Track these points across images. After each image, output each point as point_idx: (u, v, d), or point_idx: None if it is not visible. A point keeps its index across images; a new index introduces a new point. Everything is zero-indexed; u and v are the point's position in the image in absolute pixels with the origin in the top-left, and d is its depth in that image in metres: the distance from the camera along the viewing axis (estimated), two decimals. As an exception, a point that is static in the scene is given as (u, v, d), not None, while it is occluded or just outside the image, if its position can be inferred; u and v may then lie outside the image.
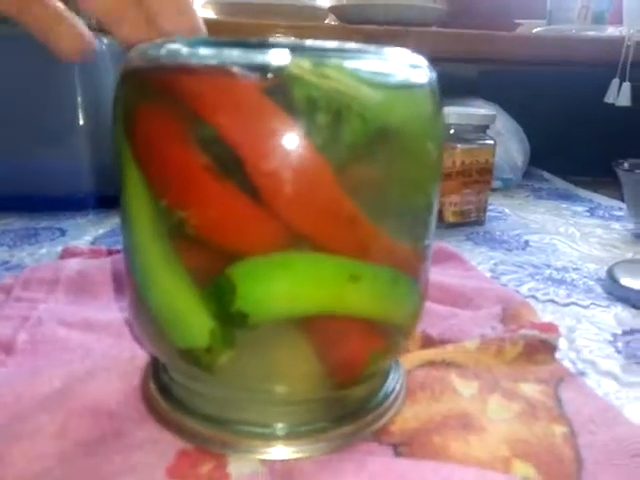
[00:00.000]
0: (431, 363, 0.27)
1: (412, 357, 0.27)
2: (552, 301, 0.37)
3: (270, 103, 0.17)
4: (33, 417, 0.21)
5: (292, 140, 0.17)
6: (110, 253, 0.39)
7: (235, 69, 0.17)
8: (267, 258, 0.18)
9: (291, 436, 0.21)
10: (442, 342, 0.28)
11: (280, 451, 0.20)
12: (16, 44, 0.56)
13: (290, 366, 0.20)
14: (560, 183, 0.83)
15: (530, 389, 0.25)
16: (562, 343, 0.30)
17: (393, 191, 0.19)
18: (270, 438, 0.21)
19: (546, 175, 0.87)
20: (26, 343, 0.26)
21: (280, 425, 0.21)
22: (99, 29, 0.64)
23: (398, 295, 0.21)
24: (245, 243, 0.18)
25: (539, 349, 0.28)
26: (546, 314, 0.35)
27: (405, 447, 0.21)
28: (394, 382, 0.24)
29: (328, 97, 0.17)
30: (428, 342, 0.28)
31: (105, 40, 0.59)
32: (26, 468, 0.19)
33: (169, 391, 0.23)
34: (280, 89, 0.17)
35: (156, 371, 0.24)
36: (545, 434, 0.22)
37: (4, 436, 0.20)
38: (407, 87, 0.19)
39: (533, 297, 0.37)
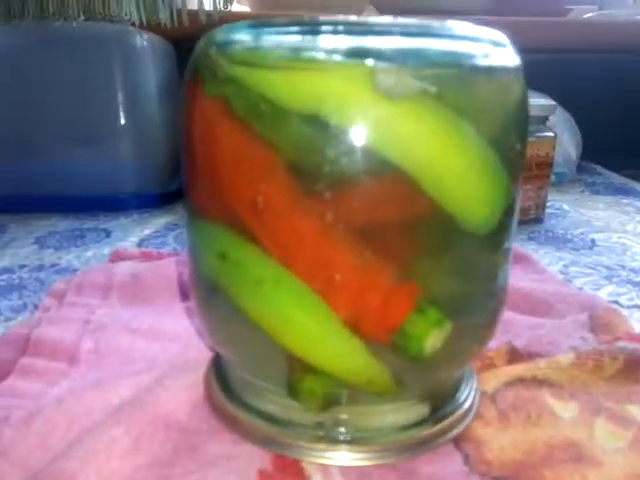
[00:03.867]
0: (521, 380, 0.24)
1: (499, 373, 0.24)
2: (638, 307, 0.33)
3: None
4: (106, 430, 0.19)
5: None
6: (161, 256, 0.37)
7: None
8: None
9: (359, 441, 0.20)
10: (530, 355, 0.26)
11: (347, 456, 0.19)
12: (55, 45, 0.55)
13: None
14: (615, 177, 0.78)
15: (638, 412, 0.22)
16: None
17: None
18: (337, 442, 0.20)
19: (599, 169, 0.82)
20: (90, 353, 0.25)
21: (343, 429, 0.20)
22: (139, 24, 0.62)
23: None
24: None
25: (641, 365, 0.25)
26: (634, 322, 0.32)
27: (514, 483, 0.18)
28: (467, 391, 0.22)
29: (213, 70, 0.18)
30: (515, 356, 0.25)
31: (145, 36, 0.58)
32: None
33: (234, 395, 0.22)
34: None
35: (220, 376, 0.23)
36: (670, 467, 0.19)
37: (77, 453, 0.18)
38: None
39: (616, 302, 0.34)
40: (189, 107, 0.19)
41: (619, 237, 0.49)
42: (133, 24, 0.61)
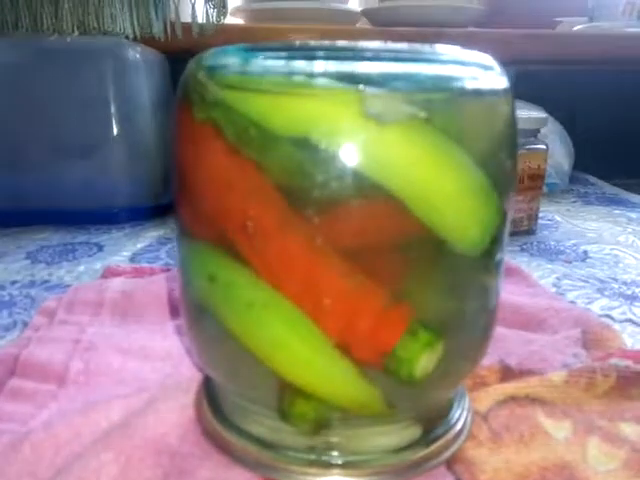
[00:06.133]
0: (513, 398, 0.24)
1: (492, 391, 0.24)
2: (630, 321, 0.34)
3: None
4: (95, 456, 0.19)
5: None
6: (153, 272, 0.37)
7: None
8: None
9: (351, 465, 0.19)
10: (522, 373, 0.26)
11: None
12: (48, 58, 0.55)
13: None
14: (607, 187, 0.79)
15: (631, 430, 0.22)
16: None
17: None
18: (329, 466, 0.19)
19: (592, 179, 0.83)
20: (79, 374, 0.24)
21: (335, 453, 0.20)
22: (133, 38, 0.62)
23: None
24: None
25: (633, 382, 0.25)
26: (626, 336, 0.32)
27: (507, 507, 0.18)
28: (459, 412, 0.22)
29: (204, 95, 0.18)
30: (507, 374, 0.25)
31: (138, 49, 0.58)
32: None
33: (225, 418, 0.22)
34: None
35: (211, 398, 0.23)
36: (663, 489, 0.19)
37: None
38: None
39: (608, 316, 0.34)
40: (179, 130, 0.19)
41: (611, 249, 0.49)
42: (126, 37, 0.61)
